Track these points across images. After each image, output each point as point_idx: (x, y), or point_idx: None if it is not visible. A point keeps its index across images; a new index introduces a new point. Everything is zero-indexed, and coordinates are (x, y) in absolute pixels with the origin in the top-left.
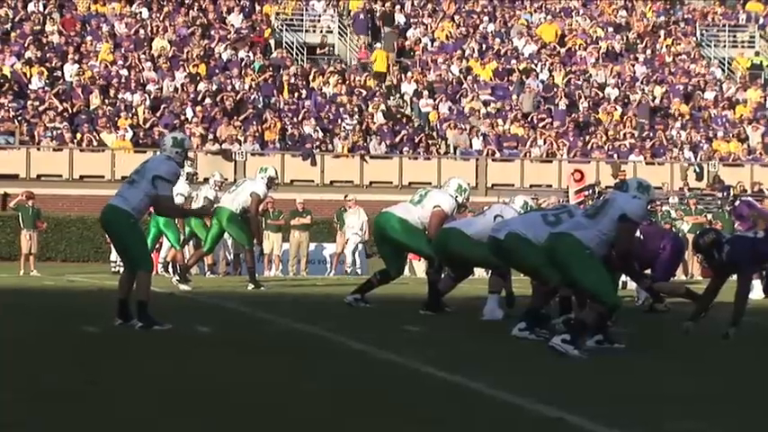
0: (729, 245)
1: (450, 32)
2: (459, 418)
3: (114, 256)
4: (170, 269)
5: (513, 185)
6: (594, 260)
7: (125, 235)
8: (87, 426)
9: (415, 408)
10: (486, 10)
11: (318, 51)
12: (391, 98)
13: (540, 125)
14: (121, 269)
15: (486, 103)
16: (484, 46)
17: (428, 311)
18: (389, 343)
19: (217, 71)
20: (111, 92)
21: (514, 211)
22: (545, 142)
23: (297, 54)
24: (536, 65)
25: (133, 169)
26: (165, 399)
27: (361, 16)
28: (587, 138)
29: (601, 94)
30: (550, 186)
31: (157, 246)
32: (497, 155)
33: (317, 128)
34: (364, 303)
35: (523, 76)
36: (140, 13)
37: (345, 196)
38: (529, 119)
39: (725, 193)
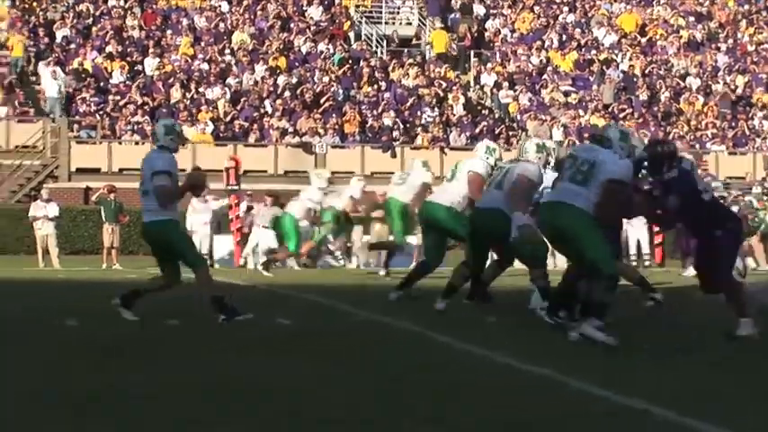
0: None
1: (530, 23)
2: (550, 411)
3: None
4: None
5: None
6: (598, 230)
7: (174, 243)
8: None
9: (508, 400)
10: (566, 1)
11: (397, 43)
12: (471, 90)
13: (621, 115)
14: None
15: (566, 94)
16: (564, 36)
17: (470, 301)
18: (470, 334)
19: (296, 64)
20: (192, 86)
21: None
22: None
23: (376, 46)
24: (617, 55)
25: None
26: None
27: None
28: (668, 128)
29: (682, 84)
30: None
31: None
32: (578, 145)
33: (397, 120)
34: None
35: (604, 67)
36: (220, 6)
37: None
38: (609, 109)
39: None
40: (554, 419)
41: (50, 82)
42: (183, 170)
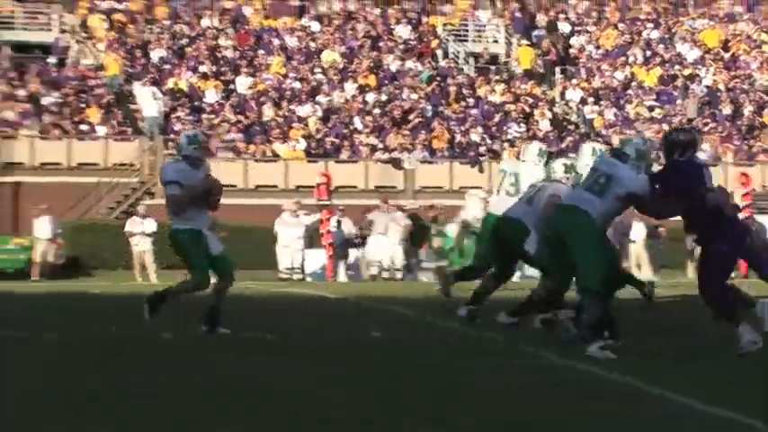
0: None
1: (615, 39)
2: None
3: (288, 263)
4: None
5: None
6: (597, 244)
7: (181, 250)
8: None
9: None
10: (650, 17)
11: (484, 60)
12: (557, 105)
13: (705, 129)
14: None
15: (650, 109)
16: (648, 52)
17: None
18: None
19: (386, 82)
20: (284, 103)
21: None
22: (710, 146)
23: (463, 63)
24: (700, 70)
25: None
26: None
27: (519, 14)
28: (752, 141)
29: (765, 98)
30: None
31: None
32: (663, 159)
33: (485, 135)
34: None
35: (688, 82)
36: (310, 26)
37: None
38: (693, 123)
39: None
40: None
41: (149, 103)
42: (275, 186)
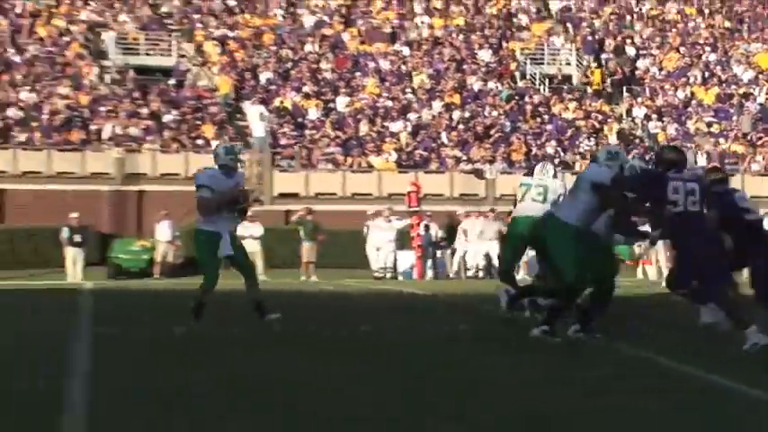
0: None
1: (676, 62)
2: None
3: (381, 263)
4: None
5: None
6: (573, 244)
7: (198, 251)
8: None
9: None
10: (708, 41)
11: (558, 81)
12: (624, 121)
13: (759, 143)
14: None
15: (709, 125)
16: (707, 73)
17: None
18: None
19: (469, 100)
20: (378, 120)
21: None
22: (763, 158)
23: (539, 83)
24: (754, 89)
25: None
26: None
27: (589, 37)
28: None
29: None
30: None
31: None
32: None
33: (558, 148)
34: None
35: (743, 100)
36: (401, 51)
37: None
38: (748, 138)
39: None
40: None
41: (257, 123)
42: (369, 194)
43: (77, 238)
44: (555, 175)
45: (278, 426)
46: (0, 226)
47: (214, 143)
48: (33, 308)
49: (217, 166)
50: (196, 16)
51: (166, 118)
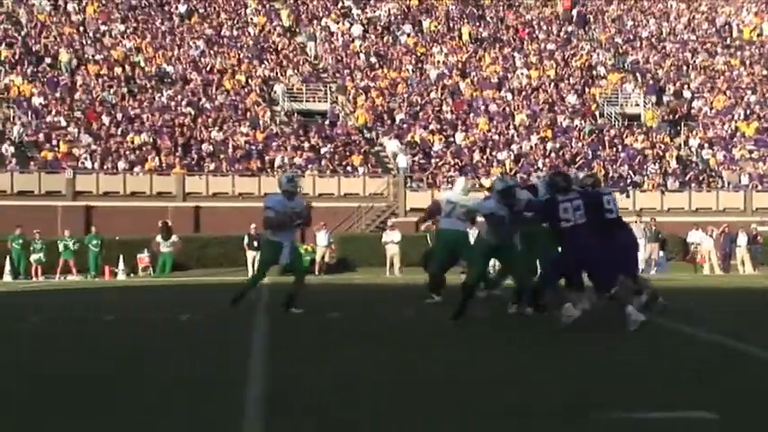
0: None
1: (723, 102)
2: None
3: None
4: None
5: None
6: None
7: (262, 255)
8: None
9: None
10: (749, 86)
11: (629, 118)
12: (682, 149)
13: None
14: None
15: (750, 152)
16: (748, 111)
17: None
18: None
19: (559, 134)
20: (487, 150)
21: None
22: None
23: (614, 120)
24: None
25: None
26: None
27: (652, 82)
28: None
29: None
30: None
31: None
32: (759, 188)
33: (630, 171)
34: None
35: None
36: (506, 96)
37: (652, 218)
38: None
39: None
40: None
41: (400, 156)
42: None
43: (255, 243)
44: (467, 193)
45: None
46: (196, 235)
47: (360, 169)
48: (223, 297)
49: (281, 192)
50: (346, 71)
51: (323, 150)
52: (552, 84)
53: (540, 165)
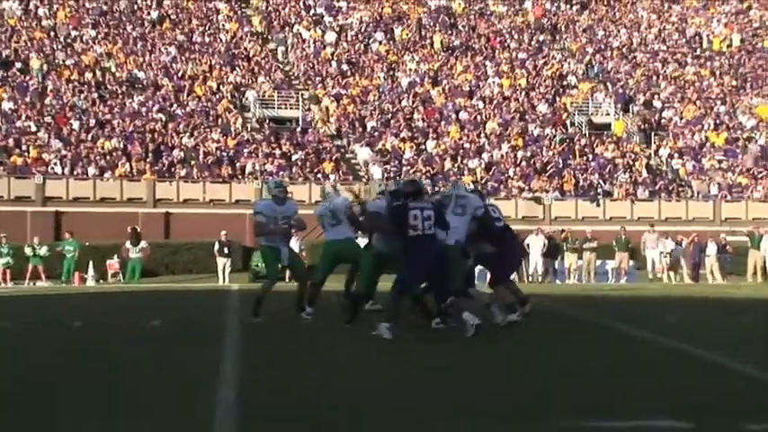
0: None
1: (693, 113)
2: None
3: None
4: None
5: (740, 218)
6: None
7: (264, 261)
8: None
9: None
10: (719, 96)
11: (599, 127)
12: (652, 159)
13: (759, 176)
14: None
15: (719, 161)
16: (717, 121)
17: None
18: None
19: (530, 143)
20: (459, 158)
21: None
22: (763, 188)
23: (585, 129)
24: (755, 134)
25: None
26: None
27: (622, 92)
28: None
29: None
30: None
31: None
32: (728, 197)
33: (600, 180)
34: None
35: (746, 142)
36: (477, 104)
37: (622, 227)
38: (750, 172)
39: None
40: None
41: (374, 168)
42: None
43: (226, 250)
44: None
45: None
46: (166, 241)
47: (331, 176)
48: (192, 303)
49: (270, 197)
50: (318, 78)
51: (294, 157)
52: (523, 92)
53: (510, 173)
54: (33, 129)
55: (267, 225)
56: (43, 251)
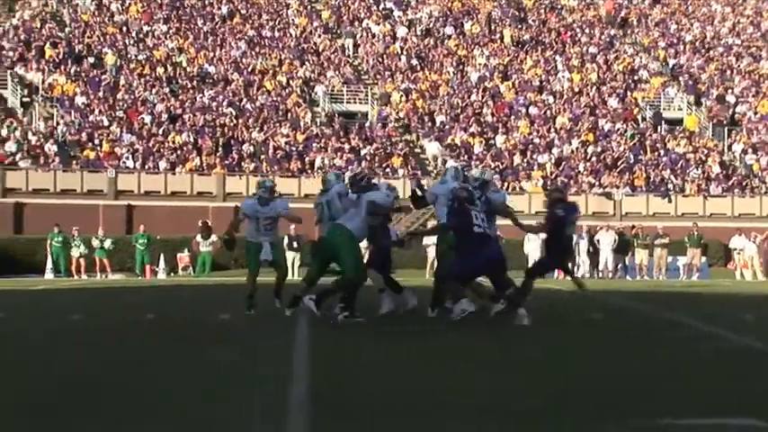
0: None
1: None
2: None
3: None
4: None
5: None
6: (354, 247)
7: (246, 256)
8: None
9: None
10: None
11: (672, 122)
12: (725, 154)
13: None
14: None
15: None
16: None
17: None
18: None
19: (601, 138)
20: (528, 153)
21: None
22: None
23: (657, 124)
24: None
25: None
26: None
27: (691, 82)
28: None
29: None
30: None
31: None
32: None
33: (671, 176)
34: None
35: None
36: (547, 99)
37: (694, 224)
38: None
39: None
40: None
41: (450, 162)
42: (521, 211)
43: (295, 244)
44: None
45: None
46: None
47: (401, 171)
48: (261, 297)
49: (257, 196)
50: (387, 73)
51: (363, 152)
52: (594, 87)
53: (580, 168)
54: (106, 123)
55: (248, 224)
56: (107, 244)
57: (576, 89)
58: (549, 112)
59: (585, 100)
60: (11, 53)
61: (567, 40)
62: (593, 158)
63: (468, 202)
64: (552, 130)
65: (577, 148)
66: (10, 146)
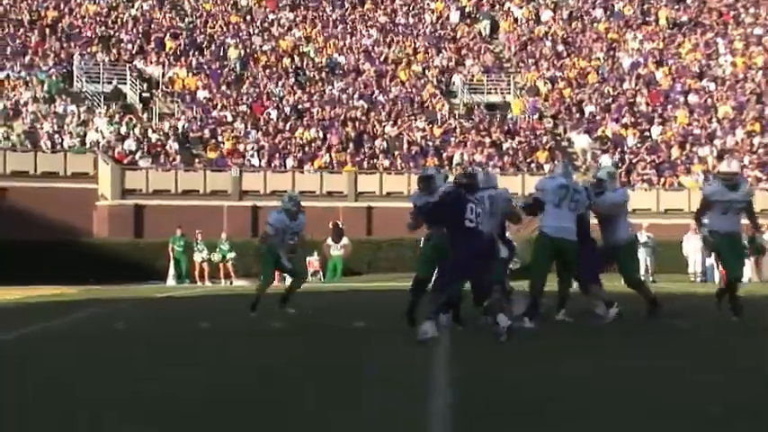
0: None
1: None
2: None
3: (691, 268)
4: None
5: None
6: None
7: (262, 262)
8: None
9: None
10: None
11: None
12: None
13: None
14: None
15: None
16: None
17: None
18: None
19: (767, 128)
20: (687, 146)
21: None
22: None
23: None
24: None
25: None
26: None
27: None
28: None
29: None
30: None
31: None
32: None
33: None
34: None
35: None
36: (708, 86)
37: None
38: None
39: None
40: None
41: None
42: (680, 209)
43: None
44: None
45: None
46: (369, 237)
47: (546, 167)
48: (394, 302)
49: (283, 210)
50: (530, 60)
51: (505, 146)
52: (760, 72)
53: (746, 161)
54: (229, 119)
55: (274, 238)
56: (226, 247)
57: (740, 75)
58: (709, 100)
59: (750, 86)
60: (129, 45)
61: (730, 21)
62: (761, 150)
63: (467, 189)
64: (714, 119)
65: (742, 140)
66: (129, 144)
